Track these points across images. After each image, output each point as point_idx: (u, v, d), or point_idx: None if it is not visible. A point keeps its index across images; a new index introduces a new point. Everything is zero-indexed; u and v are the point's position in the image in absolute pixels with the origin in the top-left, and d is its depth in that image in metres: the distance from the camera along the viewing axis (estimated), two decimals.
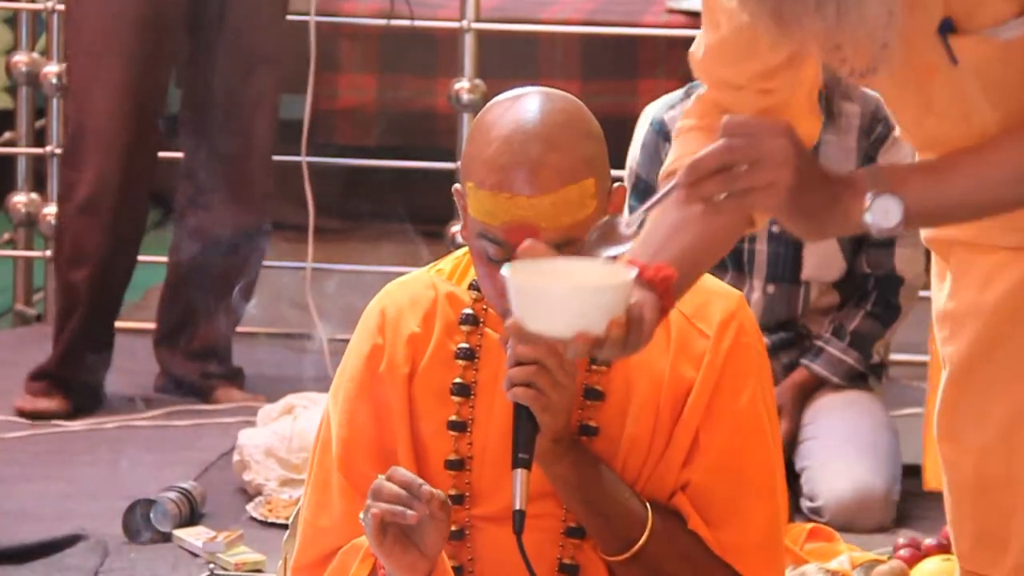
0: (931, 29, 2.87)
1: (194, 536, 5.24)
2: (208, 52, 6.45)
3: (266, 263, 6.41)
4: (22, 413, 6.34)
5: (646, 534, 3.29)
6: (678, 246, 3.05)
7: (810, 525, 4.76)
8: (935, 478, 4.62)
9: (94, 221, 6.43)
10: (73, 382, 6.37)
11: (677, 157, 3.12)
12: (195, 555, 5.12)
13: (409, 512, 3.08)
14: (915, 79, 3.02)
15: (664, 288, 2.92)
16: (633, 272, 2.91)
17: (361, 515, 3.15)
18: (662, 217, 3.09)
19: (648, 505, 3.32)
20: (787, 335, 5.45)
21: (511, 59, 6.69)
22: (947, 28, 2.89)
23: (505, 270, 2.99)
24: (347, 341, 3.66)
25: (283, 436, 5.21)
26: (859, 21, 2.83)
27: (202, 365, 6.36)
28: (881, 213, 2.79)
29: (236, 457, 5.47)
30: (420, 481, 3.15)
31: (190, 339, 6.43)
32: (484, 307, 3.42)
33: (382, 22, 7.58)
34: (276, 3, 6.37)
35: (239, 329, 6.50)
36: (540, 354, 3.16)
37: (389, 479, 3.16)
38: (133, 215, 6.46)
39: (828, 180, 2.85)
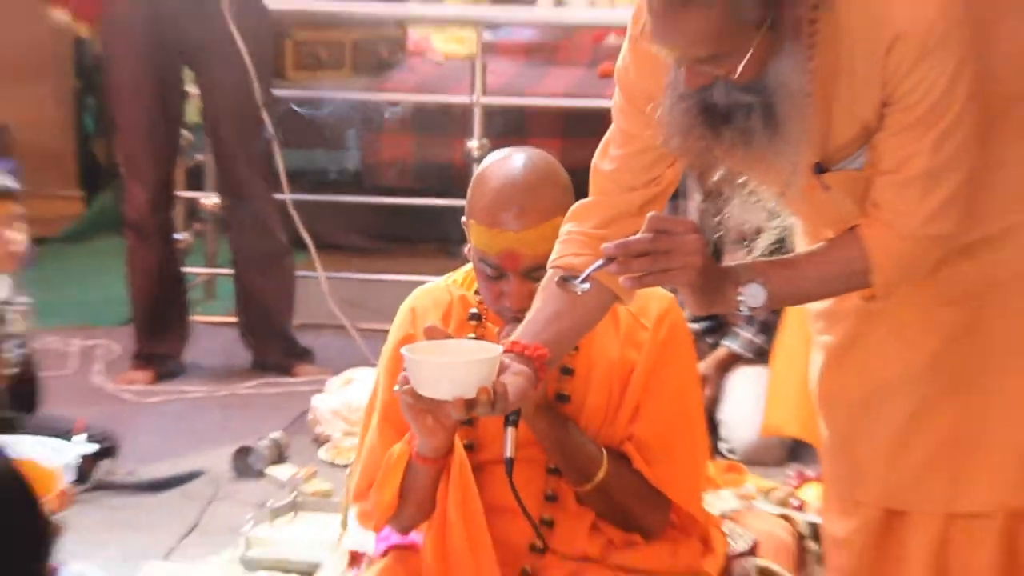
0: (809, 166, 3.02)
1: (281, 473, 5.35)
2: (207, 97, 6.26)
3: (324, 274, 6.30)
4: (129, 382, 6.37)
5: (602, 472, 3.40)
6: (555, 330, 3.16)
7: (726, 462, 4.82)
8: (769, 428, 5.01)
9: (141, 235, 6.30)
10: (155, 360, 6.33)
11: (559, 256, 3.25)
12: (282, 486, 5.19)
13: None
14: (806, 194, 3.11)
15: (539, 363, 3.08)
16: (499, 349, 3.08)
17: (396, 387, 3.20)
18: (543, 307, 3.22)
19: (604, 451, 3.44)
20: (712, 323, 5.51)
21: (509, 123, 6.65)
22: (819, 170, 3.04)
23: (404, 350, 3.18)
24: (383, 330, 3.79)
25: (344, 400, 5.28)
26: (786, 154, 2.97)
27: (283, 349, 6.35)
28: (751, 297, 2.97)
29: (310, 415, 5.56)
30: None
31: (269, 331, 6.40)
32: (485, 308, 3.55)
33: (416, 98, 7.61)
34: (260, 53, 6.06)
35: (310, 321, 6.50)
36: None
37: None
38: (164, 231, 6.25)
39: (717, 268, 3.03)
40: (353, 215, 7.16)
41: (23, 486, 1.82)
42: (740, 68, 2.98)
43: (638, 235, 3.08)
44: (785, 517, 4.19)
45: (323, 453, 5.45)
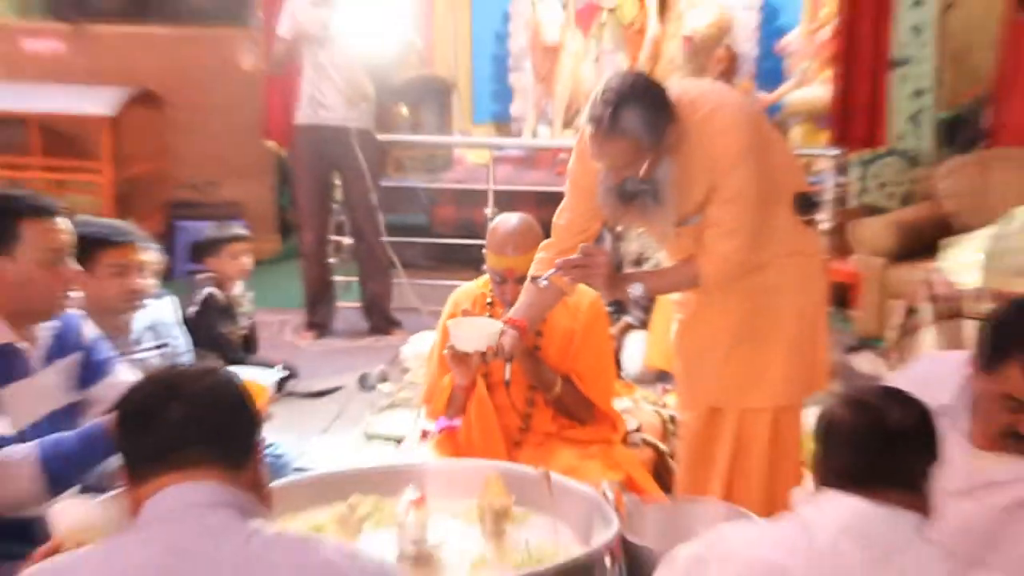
0: (673, 224, 3.33)
1: (384, 388, 5.61)
2: (345, 187, 6.55)
3: (407, 280, 6.77)
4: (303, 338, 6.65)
5: (558, 387, 3.75)
6: (531, 311, 3.53)
7: (624, 382, 4.93)
8: (649, 363, 5.28)
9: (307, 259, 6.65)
10: (316, 327, 6.69)
11: (534, 270, 3.60)
12: (385, 395, 5.53)
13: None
14: (670, 238, 3.48)
15: (522, 330, 3.43)
16: (500, 325, 3.41)
17: (445, 351, 3.59)
18: (524, 299, 3.56)
19: (559, 376, 3.74)
20: (616, 306, 5.64)
21: (507, 199, 7.02)
22: (678, 224, 3.36)
23: (449, 323, 3.63)
24: (438, 311, 4.10)
25: (417, 350, 5.46)
26: (664, 221, 3.34)
27: (385, 321, 6.72)
28: (636, 290, 3.36)
29: (400, 357, 5.78)
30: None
31: (380, 311, 6.76)
32: (494, 299, 3.84)
33: (457, 186, 7.96)
34: (372, 162, 6.43)
35: (399, 306, 6.83)
36: None
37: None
38: (323, 257, 6.71)
39: (617, 275, 3.37)
40: (422, 249, 7.43)
41: (244, 393, 1.93)
42: (640, 171, 3.25)
43: (574, 256, 3.39)
44: (656, 411, 4.42)
45: (407, 378, 5.63)
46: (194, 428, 1.79)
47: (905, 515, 2.00)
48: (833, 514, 2.01)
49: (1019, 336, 2.47)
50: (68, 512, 2.45)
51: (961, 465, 2.55)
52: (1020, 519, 2.53)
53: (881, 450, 2.02)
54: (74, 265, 3.08)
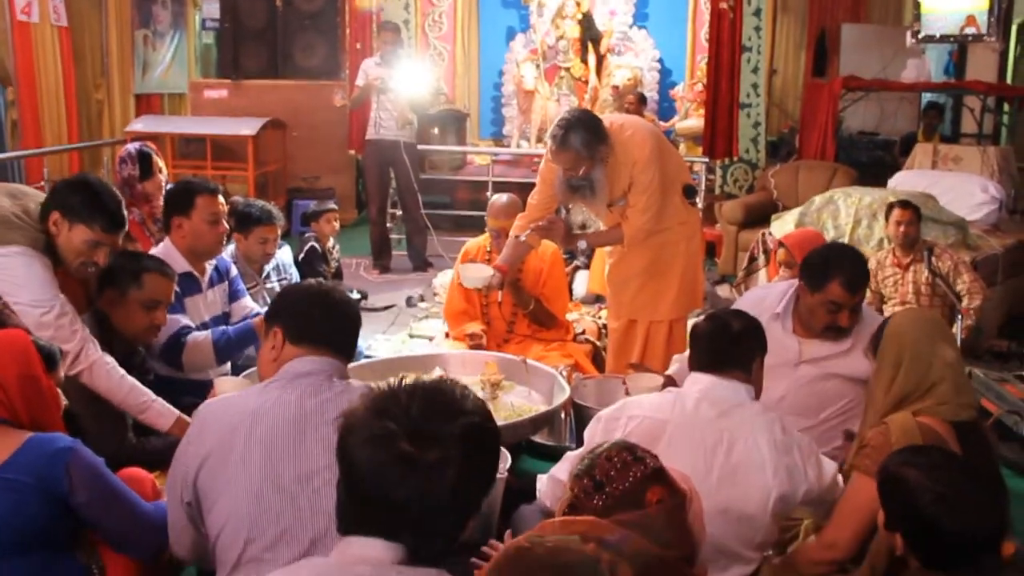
0: (606, 205, 3.25)
1: (422, 305, 5.56)
2: (397, 179, 6.44)
3: (436, 236, 6.54)
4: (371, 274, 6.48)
5: (533, 304, 3.68)
6: (511, 258, 3.42)
7: (573, 303, 4.80)
8: (590, 290, 5.06)
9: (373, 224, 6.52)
10: (379, 266, 6.53)
11: (514, 230, 3.47)
12: (423, 310, 5.45)
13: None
14: (603, 214, 3.39)
15: (504, 272, 3.34)
16: (490, 270, 3.35)
17: (458, 283, 3.55)
18: (507, 250, 3.45)
19: (533, 298, 3.70)
20: (569, 254, 5.40)
21: (501, 187, 6.59)
22: (609, 205, 3.30)
23: (459, 266, 3.57)
24: (454, 256, 3.99)
25: (444, 281, 5.35)
26: (599, 203, 3.28)
27: (423, 262, 6.59)
28: (581, 244, 3.35)
29: (433, 283, 5.72)
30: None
31: (419, 255, 6.62)
32: (493, 249, 3.75)
33: (469, 178, 7.79)
34: (414, 163, 6.32)
35: (431, 253, 6.63)
36: None
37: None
38: (383, 223, 6.54)
39: (570, 235, 3.30)
40: (446, 218, 7.25)
41: (356, 306, 1.88)
42: (580, 172, 3.23)
43: (542, 223, 3.38)
44: (594, 321, 4.34)
45: (436, 299, 5.52)
46: (337, 330, 1.78)
47: (741, 386, 2.04)
48: (696, 387, 2.06)
49: (837, 264, 2.55)
50: (224, 381, 2.56)
51: (792, 346, 2.64)
52: (828, 381, 2.64)
53: (726, 345, 2.05)
54: (226, 227, 3.18)
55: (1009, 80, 8.23)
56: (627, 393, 2.66)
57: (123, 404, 2.49)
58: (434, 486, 1.12)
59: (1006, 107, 7.71)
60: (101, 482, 1.78)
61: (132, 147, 3.81)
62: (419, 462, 1.12)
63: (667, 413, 1.99)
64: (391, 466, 1.12)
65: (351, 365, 1.91)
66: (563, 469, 2.11)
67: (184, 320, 3.00)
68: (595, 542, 1.31)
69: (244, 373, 2.83)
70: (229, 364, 3.17)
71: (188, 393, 2.80)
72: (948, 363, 1.97)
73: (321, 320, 1.76)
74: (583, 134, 3.15)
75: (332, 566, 1.16)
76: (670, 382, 2.60)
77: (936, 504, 1.50)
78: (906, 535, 1.57)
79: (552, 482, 2.14)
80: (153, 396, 2.52)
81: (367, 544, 1.15)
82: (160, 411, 2.50)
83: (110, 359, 2.47)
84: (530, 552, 1.31)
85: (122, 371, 2.50)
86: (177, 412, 2.52)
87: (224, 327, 3.08)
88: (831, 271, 2.50)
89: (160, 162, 3.85)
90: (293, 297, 1.82)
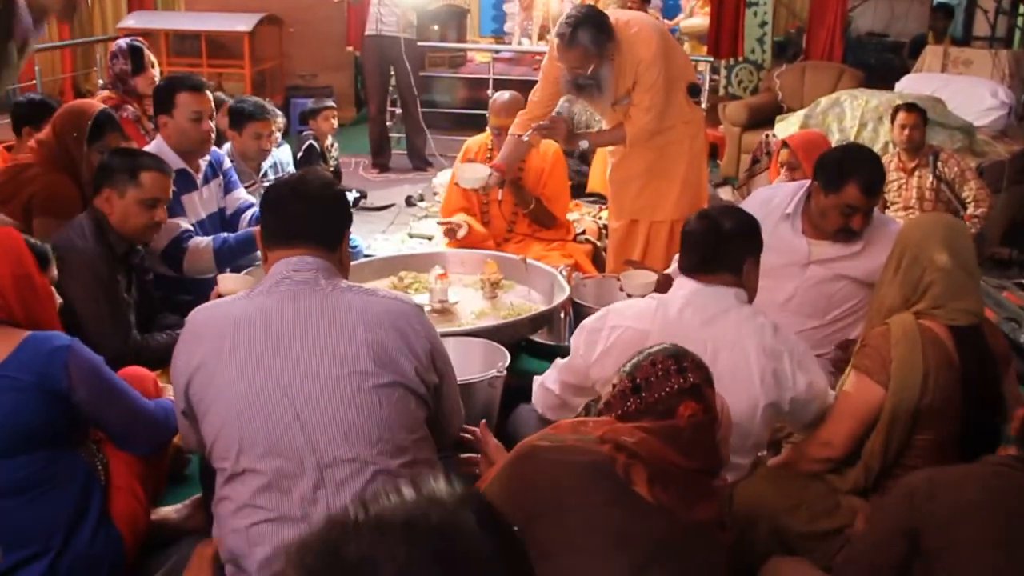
0: (611, 103, 3.17)
1: (422, 204, 5.46)
2: (397, 76, 6.31)
3: (431, 135, 6.49)
4: (369, 172, 6.31)
5: (534, 203, 3.64)
6: (510, 157, 3.37)
7: (575, 202, 4.51)
8: (592, 188, 4.90)
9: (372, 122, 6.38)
10: (378, 164, 6.37)
11: (514, 128, 3.45)
12: (422, 209, 5.37)
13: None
14: (608, 113, 3.31)
15: (501, 171, 3.29)
16: (488, 169, 3.29)
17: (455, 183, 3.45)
18: (506, 149, 3.41)
19: (534, 198, 3.64)
20: (572, 152, 4.84)
21: (502, 84, 6.49)
22: (613, 103, 3.23)
23: (458, 164, 3.49)
24: (454, 155, 3.91)
25: (444, 180, 5.08)
26: (604, 102, 3.20)
27: (422, 160, 6.50)
28: (583, 143, 3.22)
29: (433, 182, 5.62)
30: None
31: (419, 155, 6.52)
32: (492, 147, 3.69)
33: (469, 75, 7.56)
34: (415, 64, 6.18)
35: (428, 151, 6.55)
36: None
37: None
38: (382, 121, 6.39)
39: (574, 133, 3.23)
40: (446, 116, 7.13)
41: (343, 196, 1.81)
42: (589, 71, 3.15)
43: (544, 122, 3.30)
44: (595, 221, 4.30)
45: (435, 198, 5.44)
46: (307, 220, 1.69)
47: (729, 291, 1.91)
48: (680, 293, 1.94)
49: (854, 166, 2.48)
50: (227, 279, 2.55)
51: (801, 247, 2.60)
52: (837, 282, 2.61)
53: (715, 245, 1.90)
54: (210, 125, 3.10)
55: None
56: (622, 290, 2.61)
57: None
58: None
59: (1021, 9, 7.39)
60: (100, 379, 1.77)
61: (123, 42, 3.81)
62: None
63: (648, 323, 1.90)
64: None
65: (353, 263, 1.86)
66: (552, 377, 2.08)
67: (184, 224, 2.96)
68: (611, 443, 1.32)
69: (246, 270, 2.81)
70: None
71: (187, 292, 2.77)
72: (940, 267, 1.92)
73: (292, 216, 1.69)
74: (592, 31, 3.05)
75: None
76: (668, 280, 2.54)
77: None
78: None
79: (542, 390, 2.12)
80: None
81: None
82: None
83: None
84: (545, 450, 1.33)
85: None
86: None
87: (226, 235, 3.04)
88: (848, 173, 2.44)
89: (152, 57, 3.80)
90: (266, 198, 1.75)
